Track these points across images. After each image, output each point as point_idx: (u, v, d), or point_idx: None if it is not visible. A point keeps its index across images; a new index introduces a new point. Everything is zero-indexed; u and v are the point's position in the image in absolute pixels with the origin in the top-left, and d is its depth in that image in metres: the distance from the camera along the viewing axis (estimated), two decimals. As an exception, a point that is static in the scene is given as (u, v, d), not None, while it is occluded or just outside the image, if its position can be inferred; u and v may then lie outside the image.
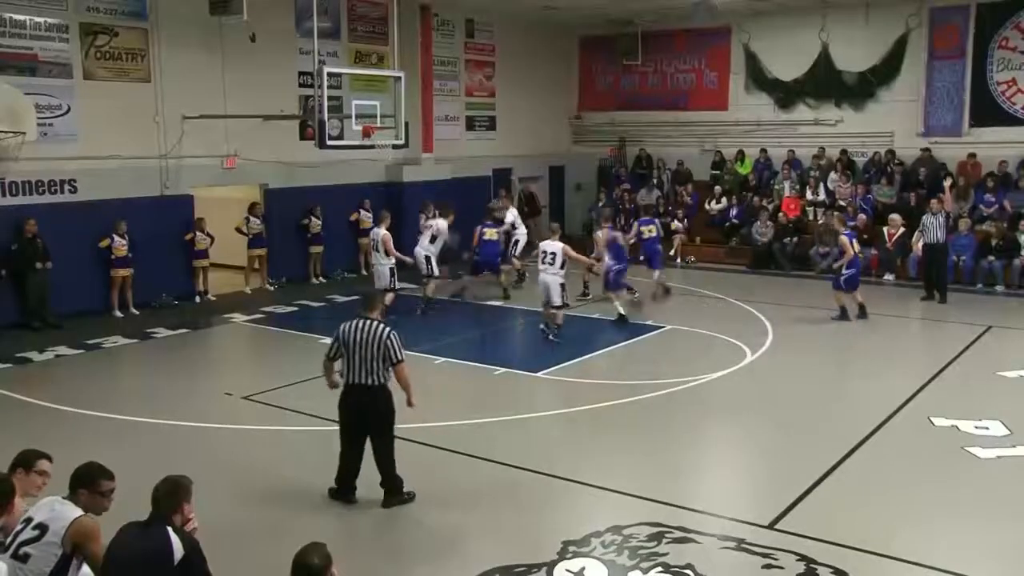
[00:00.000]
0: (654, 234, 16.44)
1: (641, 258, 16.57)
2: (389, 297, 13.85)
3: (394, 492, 7.30)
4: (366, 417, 7.19)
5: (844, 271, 14.18)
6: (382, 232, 14.25)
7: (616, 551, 6.46)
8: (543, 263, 13.09)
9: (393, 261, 14.21)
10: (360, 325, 7.12)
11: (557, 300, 12.96)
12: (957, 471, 8.11)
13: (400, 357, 7.13)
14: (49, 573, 4.47)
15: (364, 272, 19.03)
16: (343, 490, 7.35)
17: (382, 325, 7.17)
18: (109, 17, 15.00)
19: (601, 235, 14.88)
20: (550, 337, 12.90)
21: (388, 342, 7.06)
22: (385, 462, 7.26)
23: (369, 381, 7.09)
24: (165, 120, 15.78)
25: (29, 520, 4.57)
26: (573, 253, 13.43)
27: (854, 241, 14.47)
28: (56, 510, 4.59)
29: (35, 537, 4.49)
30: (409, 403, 7.33)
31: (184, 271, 15.98)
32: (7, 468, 4.97)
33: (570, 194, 25.42)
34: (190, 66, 15.96)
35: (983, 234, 17.79)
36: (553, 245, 13.13)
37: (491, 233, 16.26)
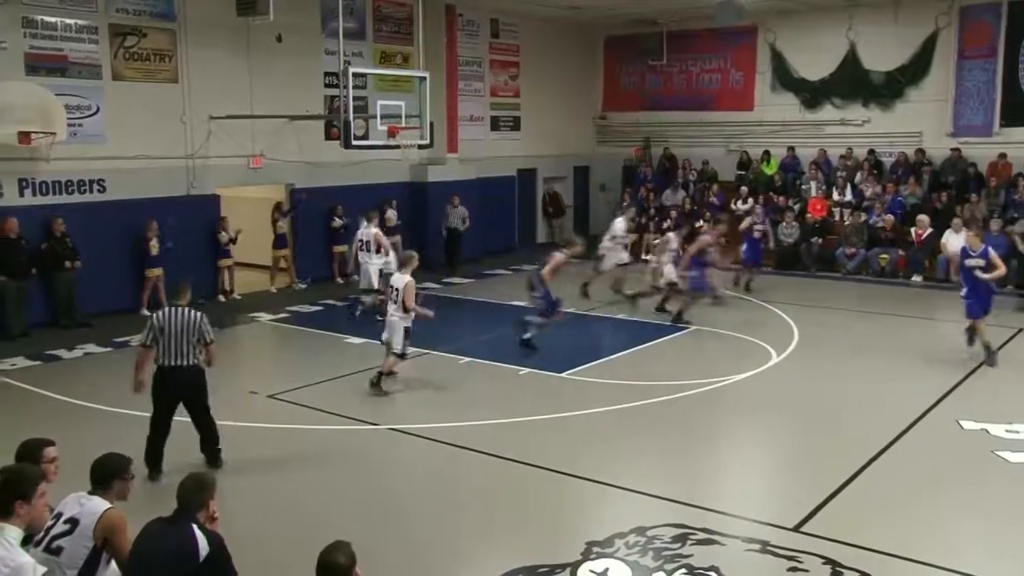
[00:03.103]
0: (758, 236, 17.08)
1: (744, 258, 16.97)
2: (372, 297, 13.94)
3: (219, 454, 8.12)
4: (187, 394, 7.97)
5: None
6: (373, 230, 14.29)
7: (640, 552, 6.44)
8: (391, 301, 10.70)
9: (382, 261, 14.21)
10: (174, 312, 7.89)
11: (397, 347, 10.53)
12: (986, 475, 8.01)
13: (212, 338, 7.97)
14: (81, 566, 4.53)
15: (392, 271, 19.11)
16: (154, 467, 7.78)
17: (194, 311, 7.95)
18: (137, 18, 15.15)
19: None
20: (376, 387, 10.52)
21: (203, 326, 7.89)
22: (212, 428, 8.13)
23: (186, 363, 7.85)
24: (192, 120, 15.92)
25: (59, 515, 4.63)
26: (410, 298, 10.34)
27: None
28: (85, 504, 4.65)
29: (67, 531, 4.56)
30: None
31: (210, 270, 16.10)
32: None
33: (594, 194, 25.37)
34: (217, 67, 16.10)
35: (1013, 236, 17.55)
36: (400, 279, 10.51)
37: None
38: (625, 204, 21.27)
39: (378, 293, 13.90)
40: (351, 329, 13.76)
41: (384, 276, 13.97)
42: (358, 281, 14.87)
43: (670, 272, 14.36)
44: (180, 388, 7.93)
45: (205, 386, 8.08)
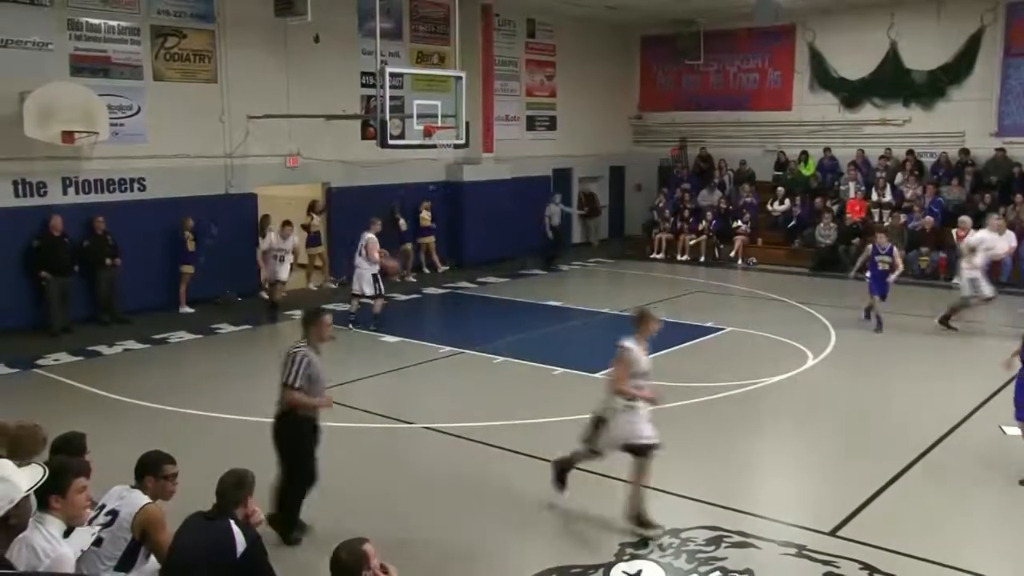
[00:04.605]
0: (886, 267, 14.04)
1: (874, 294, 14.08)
2: (354, 303, 13.90)
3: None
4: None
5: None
6: (368, 236, 13.88)
7: (674, 554, 6.41)
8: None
9: (376, 268, 13.83)
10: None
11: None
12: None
13: (284, 380, 6.65)
14: (119, 557, 4.60)
15: (426, 271, 19.20)
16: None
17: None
18: (178, 19, 15.34)
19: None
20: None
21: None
22: None
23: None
24: (230, 120, 16.09)
25: (102, 507, 4.71)
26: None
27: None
28: (125, 497, 4.73)
29: (107, 523, 4.65)
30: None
31: (248, 268, 16.26)
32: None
33: (630, 194, 25.28)
34: (255, 67, 16.25)
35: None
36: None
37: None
38: (659, 203, 21.03)
39: (370, 299, 13.84)
40: (385, 327, 13.81)
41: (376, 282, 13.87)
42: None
43: (983, 285, 13.49)
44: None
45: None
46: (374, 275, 13.85)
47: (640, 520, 6.79)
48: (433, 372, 11.65)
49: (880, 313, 13.80)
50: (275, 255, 14.88)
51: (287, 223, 15.11)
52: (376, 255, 13.79)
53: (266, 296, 15.24)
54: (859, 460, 8.39)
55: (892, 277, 13.80)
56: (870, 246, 14.30)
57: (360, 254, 13.94)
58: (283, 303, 14.87)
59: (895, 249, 14.06)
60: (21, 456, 4.16)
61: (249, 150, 16.35)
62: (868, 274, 14.05)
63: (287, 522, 6.57)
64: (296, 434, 6.62)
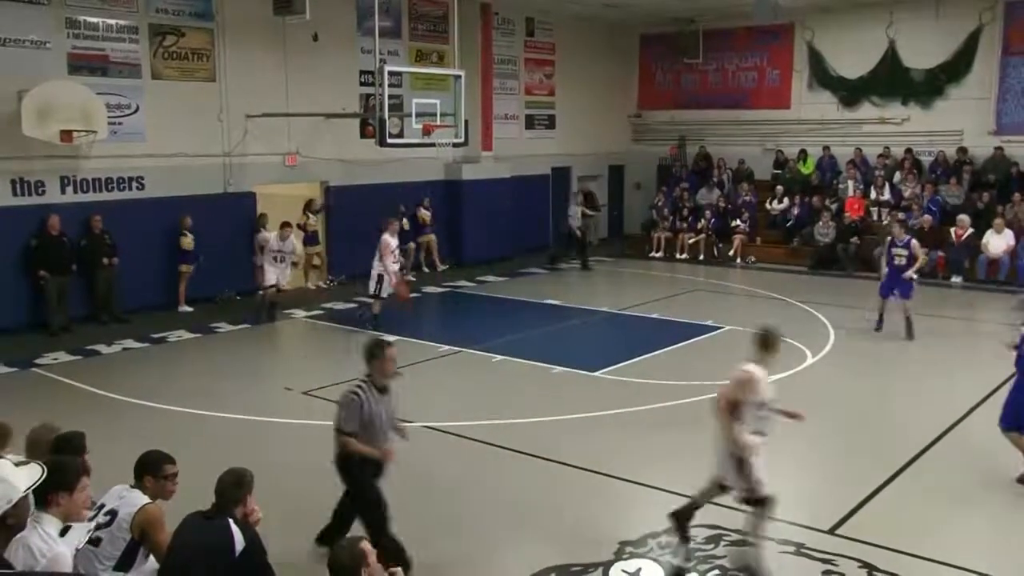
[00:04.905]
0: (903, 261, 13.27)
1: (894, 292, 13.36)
2: (378, 305, 13.81)
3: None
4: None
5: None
6: (384, 237, 13.74)
7: (673, 553, 6.40)
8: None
9: (382, 268, 13.70)
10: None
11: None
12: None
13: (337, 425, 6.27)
14: (118, 558, 4.59)
15: (426, 269, 19.20)
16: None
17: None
18: (176, 18, 15.33)
19: None
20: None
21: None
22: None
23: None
24: (229, 118, 16.07)
25: (101, 506, 4.71)
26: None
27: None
28: (124, 497, 4.73)
29: (106, 523, 4.64)
30: None
31: (247, 267, 16.25)
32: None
33: (629, 193, 25.28)
34: (254, 65, 16.24)
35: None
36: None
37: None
38: (659, 202, 21.05)
39: (370, 298, 13.84)
40: (383, 327, 13.79)
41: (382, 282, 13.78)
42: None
43: None
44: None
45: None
46: (379, 275, 13.74)
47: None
48: (432, 371, 11.64)
49: (884, 312, 13.30)
50: (273, 256, 14.57)
51: (286, 224, 14.83)
52: (388, 257, 13.65)
53: (262, 293, 14.75)
54: (858, 458, 8.40)
55: (911, 272, 12.99)
56: (888, 238, 13.64)
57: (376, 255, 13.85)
58: (281, 301, 14.85)
59: (913, 241, 13.24)
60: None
61: (248, 149, 16.34)
62: (885, 270, 13.38)
63: (391, 549, 5.97)
64: (355, 471, 6.22)
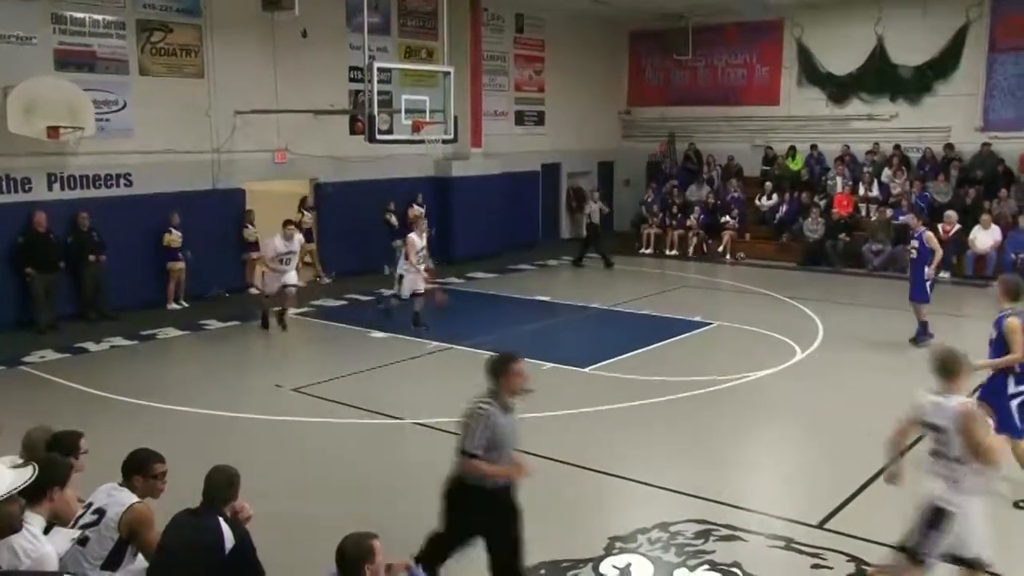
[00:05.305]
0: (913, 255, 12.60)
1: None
2: (394, 302, 13.75)
3: None
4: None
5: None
6: (410, 236, 13.62)
7: (663, 548, 6.42)
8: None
9: (411, 269, 13.43)
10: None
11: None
12: (1015, 473, 7.89)
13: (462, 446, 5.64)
14: (106, 557, 4.57)
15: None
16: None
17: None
18: (164, 14, 15.25)
19: None
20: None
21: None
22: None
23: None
24: (217, 115, 16.01)
25: (89, 505, 4.68)
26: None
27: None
28: (113, 496, 4.70)
29: (94, 522, 4.61)
30: None
31: (236, 264, 16.21)
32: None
33: (619, 189, 25.29)
34: (242, 62, 16.18)
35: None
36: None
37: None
38: (649, 199, 21.10)
39: (395, 298, 13.74)
40: (375, 323, 13.78)
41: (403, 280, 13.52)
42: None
43: None
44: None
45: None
46: (401, 275, 13.48)
47: None
48: (421, 368, 11.63)
49: (921, 317, 12.35)
50: (281, 259, 13.50)
51: (289, 223, 13.96)
52: (412, 257, 13.32)
53: (264, 296, 13.96)
54: (846, 453, 8.42)
55: (929, 271, 12.11)
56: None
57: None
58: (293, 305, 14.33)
59: (927, 233, 12.31)
60: None
61: (236, 145, 16.28)
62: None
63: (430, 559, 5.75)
64: (458, 501, 5.64)
